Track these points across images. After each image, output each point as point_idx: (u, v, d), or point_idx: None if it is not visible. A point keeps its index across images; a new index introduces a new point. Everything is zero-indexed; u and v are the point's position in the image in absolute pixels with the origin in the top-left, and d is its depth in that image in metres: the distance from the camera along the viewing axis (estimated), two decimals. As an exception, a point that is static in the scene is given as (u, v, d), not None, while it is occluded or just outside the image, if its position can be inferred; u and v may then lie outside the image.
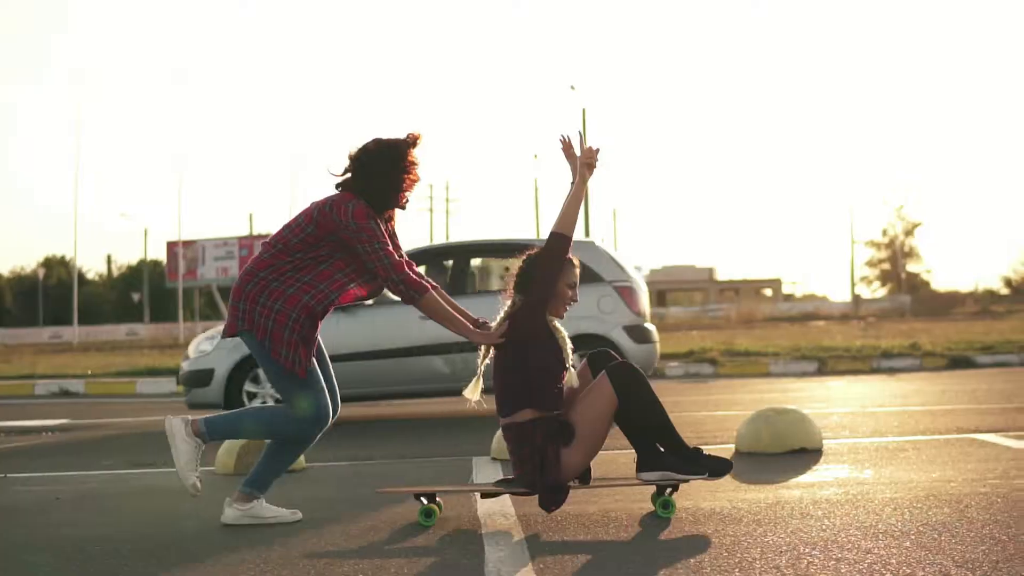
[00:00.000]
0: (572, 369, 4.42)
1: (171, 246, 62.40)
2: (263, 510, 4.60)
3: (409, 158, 4.47)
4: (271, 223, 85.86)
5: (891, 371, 16.15)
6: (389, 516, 4.73)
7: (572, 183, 4.51)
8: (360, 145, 4.49)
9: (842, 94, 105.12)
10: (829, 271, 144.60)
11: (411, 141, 4.49)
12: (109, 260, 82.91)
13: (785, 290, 75.75)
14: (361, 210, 4.37)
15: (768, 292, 72.09)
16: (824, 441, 6.75)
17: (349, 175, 4.49)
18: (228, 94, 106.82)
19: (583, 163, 4.49)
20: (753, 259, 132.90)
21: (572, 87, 42.76)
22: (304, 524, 4.61)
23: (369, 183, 4.43)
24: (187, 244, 62.12)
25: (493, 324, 4.52)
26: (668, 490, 4.46)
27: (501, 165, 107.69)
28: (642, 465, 4.42)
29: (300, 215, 4.48)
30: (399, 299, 4.51)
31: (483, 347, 4.55)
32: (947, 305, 55.98)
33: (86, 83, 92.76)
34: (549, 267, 4.41)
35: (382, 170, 4.43)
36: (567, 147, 4.53)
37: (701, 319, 50.27)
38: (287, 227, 4.45)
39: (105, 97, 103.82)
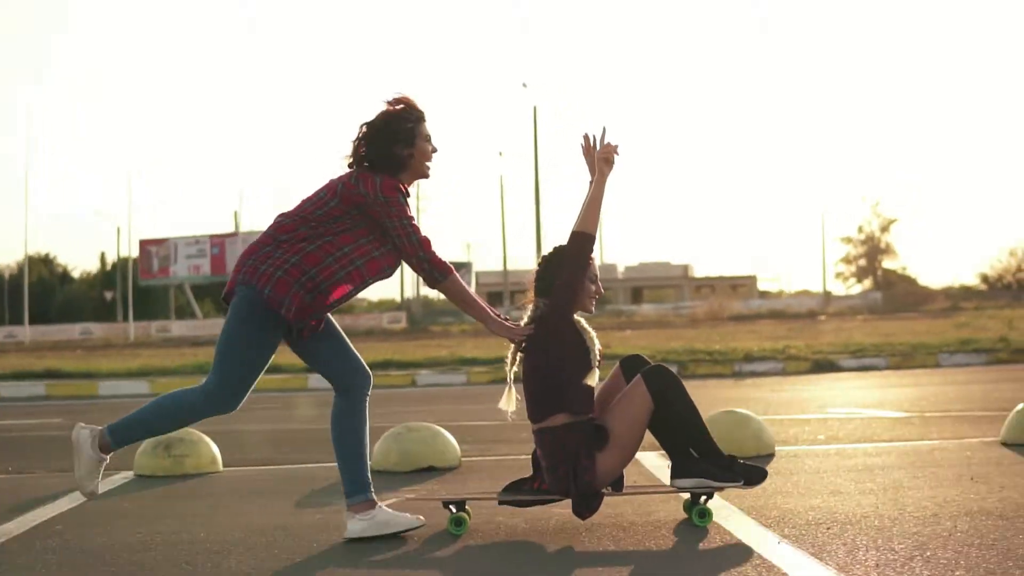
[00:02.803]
0: (597, 369, 4.29)
1: (144, 244, 62.48)
2: (386, 515, 4.29)
3: (422, 132, 4.28)
4: (255, 223, 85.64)
5: (752, 375, 15.98)
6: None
7: (590, 182, 4.43)
8: (369, 122, 4.27)
9: (823, 91, 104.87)
10: (809, 267, 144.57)
11: (421, 113, 4.30)
12: (103, 257, 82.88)
13: (763, 287, 75.60)
14: (389, 182, 4.16)
15: (766, 288, 72.35)
16: (466, 459, 6.63)
17: (362, 151, 4.26)
18: (216, 94, 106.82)
19: (601, 159, 4.39)
20: (734, 256, 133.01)
21: (524, 84, 42.68)
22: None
23: (384, 158, 4.23)
24: (159, 242, 62.15)
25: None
26: (703, 498, 4.35)
27: (465, 163, 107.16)
28: (677, 472, 4.32)
29: (322, 189, 4.25)
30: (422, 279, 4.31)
31: (510, 355, 4.41)
32: (917, 302, 55.75)
33: (40, 83, 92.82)
34: (574, 267, 4.29)
35: (395, 145, 4.22)
36: (587, 147, 4.44)
37: (667, 316, 50.13)
38: (307, 201, 4.24)
39: (104, 96, 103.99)
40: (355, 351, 4.43)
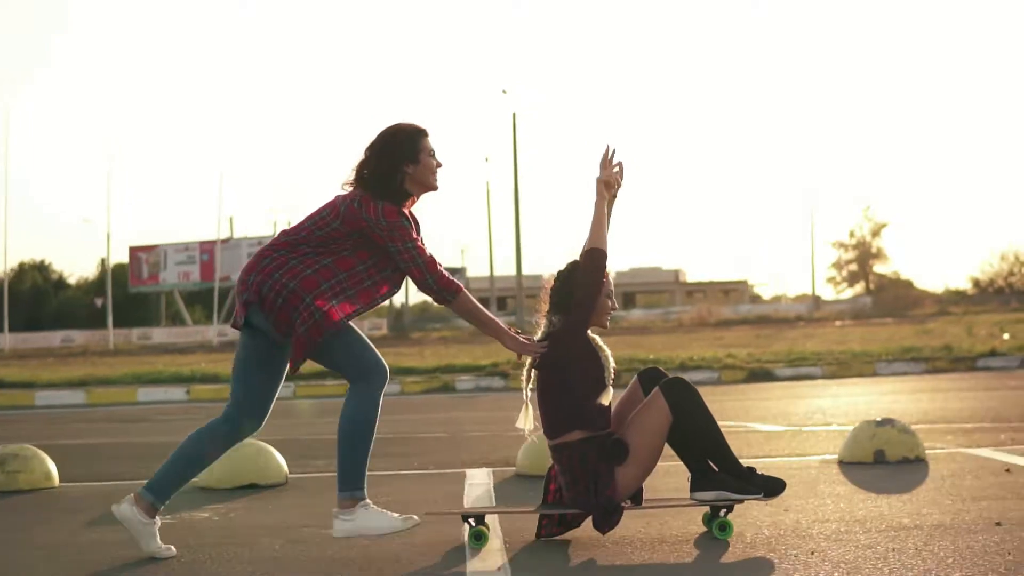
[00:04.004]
0: (611, 388, 4.30)
1: (134, 251, 62.50)
2: (368, 515, 4.21)
3: (426, 147, 4.27)
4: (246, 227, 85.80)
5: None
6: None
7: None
8: (371, 142, 4.26)
9: (814, 94, 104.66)
10: (806, 272, 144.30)
11: (423, 130, 4.29)
12: (103, 264, 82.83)
13: (764, 292, 75.70)
14: (391, 207, 4.16)
15: (767, 293, 72.35)
16: (299, 475, 6.66)
17: (365, 172, 4.24)
18: (211, 97, 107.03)
19: (601, 181, 4.44)
20: (731, 261, 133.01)
21: (504, 91, 42.60)
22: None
23: (388, 175, 4.21)
24: (149, 249, 62.17)
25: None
26: (723, 511, 4.37)
27: (458, 167, 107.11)
28: (696, 484, 4.34)
29: (324, 208, 4.24)
30: (431, 298, 4.32)
31: (525, 371, 4.42)
32: (906, 306, 55.64)
33: (12, 90, 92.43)
34: (590, 284, 4.30)
35: (398, 162, 4.22)
36: (606, 159, 4.50)
37: (654, 322, 50.09)
38: (309, 219, 4.23)
39: (104, 97, 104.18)
40: (371, 345, 4.34)
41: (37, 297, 69.19)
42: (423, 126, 4.32)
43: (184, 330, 53.05)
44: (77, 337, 50.99)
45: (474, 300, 4.33)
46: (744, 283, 73.47)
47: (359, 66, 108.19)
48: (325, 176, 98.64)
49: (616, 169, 4.48)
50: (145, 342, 47.68)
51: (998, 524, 4.45)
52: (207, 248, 59.01)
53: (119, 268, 61.28)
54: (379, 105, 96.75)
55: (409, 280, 4.34)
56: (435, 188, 4.33)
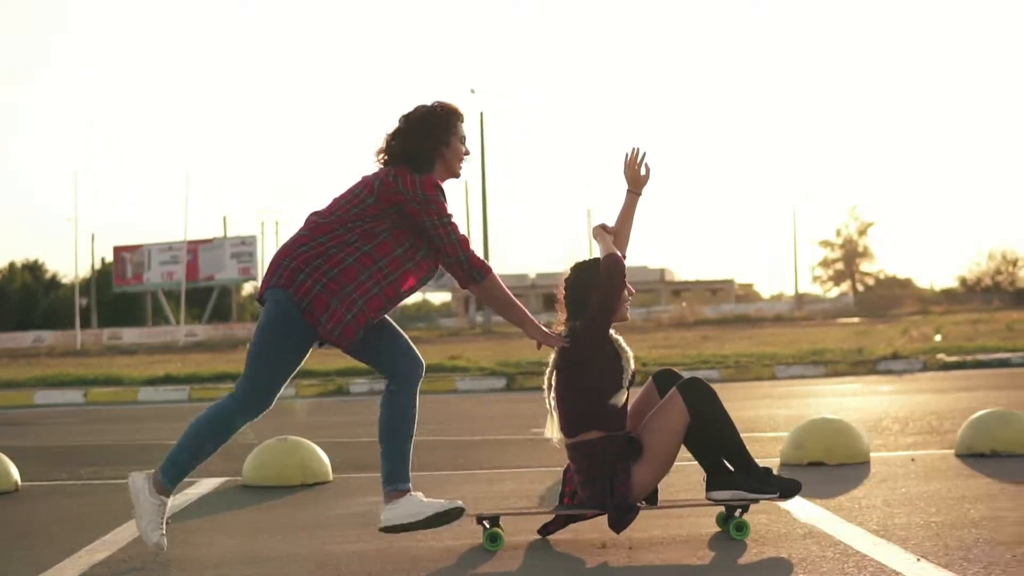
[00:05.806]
0: (625, 390, 4.32)
1: (118, 251, 62.66)
2: (421, 505, 4.21)
3: (459, 131, 4.28)
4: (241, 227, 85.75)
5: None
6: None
7: (627, 191, 4.62)
8: (406, 114, 4.25)
9: (803, 94, 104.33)
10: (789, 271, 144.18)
11: (460, 114, 4.30)
12: (103, 263, 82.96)
13: (764, 291, 75.71)
14: (429, 180, 4.13)
15: (767, 292, 72.23)
16: (31, 483, 6.72)
17: (394, 143, 4.23)
18: (215, 92, 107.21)
19: (599, 227, 4.55)
20: (724, 261, 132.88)
21: (472, 91, 42.65)
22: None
23: (417, 151, 4.19)
24: (133, 249, 62.28)
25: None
26: (739, 511, 4.40)
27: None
28: (712, 484, 4.38)
29: (356, 186, 4.21)
30: (457, 281, 4.30)
31: (547, 377, 4.45)
32: (889, 306, 55.52)
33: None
34: (608, 287, 4.34)
35: (429, 139, 4.21)
36: (629, 161, 4.58)
37: (633, 321, 49.91)
38: (342, 198, 4.20)
39: (104, 96, 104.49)
40: (405, 337, 4.36)
41: (27, 297, 69.33)
42: (461, 109, 4.30)
43: (154, 330, 53.02)
44: (48, 337, 51.02)
45: (502, 284, 4.30)
46: (731, 282, 73.34)
47: (349, 66, 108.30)
48: (317, 174, 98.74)
49: (644, 172, 4.59)
50: (115, 342, 47.67)
51: (602, 546, 4.40)
52: (192, 248, 59.15)
53: (102, 268, 61.41)
54: (366, 104, 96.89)
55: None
56: (458, 175, 4.32)
